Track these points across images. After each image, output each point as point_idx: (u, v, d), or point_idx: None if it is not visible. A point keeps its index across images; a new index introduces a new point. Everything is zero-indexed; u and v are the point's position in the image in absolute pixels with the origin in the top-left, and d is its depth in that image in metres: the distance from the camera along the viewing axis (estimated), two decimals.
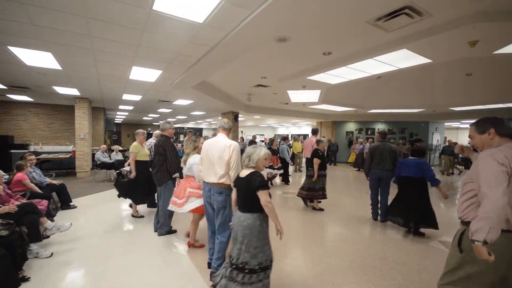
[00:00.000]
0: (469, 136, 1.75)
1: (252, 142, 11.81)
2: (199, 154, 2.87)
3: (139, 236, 3.66)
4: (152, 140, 4.94)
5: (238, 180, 2.10)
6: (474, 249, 1.35)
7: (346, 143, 14.53)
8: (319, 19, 3.02)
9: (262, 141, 21.38)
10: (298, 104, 9.77)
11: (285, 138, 8.00)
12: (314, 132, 5.91)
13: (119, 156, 8.03)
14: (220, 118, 12.37)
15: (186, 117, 16.14)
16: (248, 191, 1.98)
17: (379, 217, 4.46)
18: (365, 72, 5.23)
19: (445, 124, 14.58)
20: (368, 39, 3.61)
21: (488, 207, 1.33)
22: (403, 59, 4.30)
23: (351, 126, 14.69)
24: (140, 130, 4.41)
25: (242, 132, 23.44)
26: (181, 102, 9.20)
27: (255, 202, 1.95)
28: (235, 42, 3.41)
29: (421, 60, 4.27)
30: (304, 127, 21.65)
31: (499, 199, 1.31)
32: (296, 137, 11.81)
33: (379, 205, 4.46)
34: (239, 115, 11.92)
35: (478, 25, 2.99)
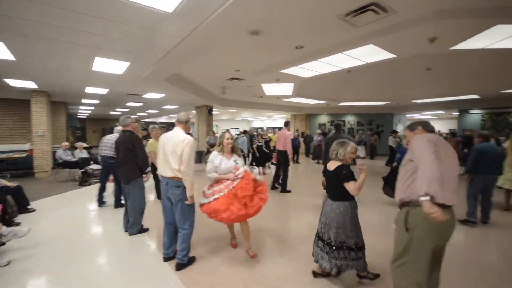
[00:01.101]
0: (404, 137, 2.08)
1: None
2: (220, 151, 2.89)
3: (107, 238, 3.48)
4: (113, 136, 4.65)
5: (327, 172, 2.40)
6: (423, 208, 1.51)
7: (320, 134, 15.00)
8: (290, 12, 3.03)
9: (238, 134, 21.23)
10: (273, 97, 9.84)
11: (245, 132, 8.35)
12: (286, 124, 6.01)
13: (84, 154, 7.49)
14: (195, 112, 12.09)
15: (158, 111, 15.50)
16: (337, 182, 2.23)
17: None
18: (336, 66, 5.39)
19: (407, 115, 15.65)
20: (338, 33, 3.70)
21: (423, 167, 1.56)
22: (371, 54, 4.49)
23: (324, 119, 15.18)
24: (154, 125, 4.59)
25: (217, 126, 23.14)
26: (152, 95, 8.79)
27: (343, 192, 2.20)
28: (207, 34, 3.31)
29: (387, 55, 4.50)
30: (279, 120, 21.92)
31: (431, 159, 1.54)
32: (277, 131, 11.97)
33: None
34: (213, 109, 11.72)
35: (437, 23, 3.21)
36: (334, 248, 2.22)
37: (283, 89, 8.03)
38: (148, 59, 4.49)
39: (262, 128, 22.13)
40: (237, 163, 2.84)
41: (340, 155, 2.32)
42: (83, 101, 10.42)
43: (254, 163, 8.52)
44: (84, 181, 6.64)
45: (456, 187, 1.68)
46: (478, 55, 4.68)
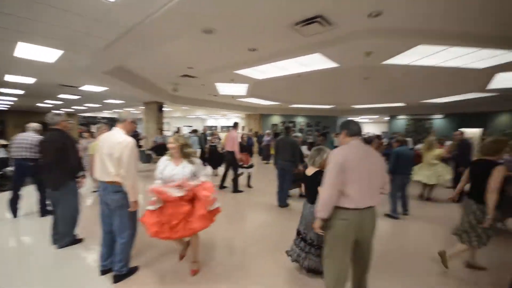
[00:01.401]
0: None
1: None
2: None
3: (32, 253, 3.01)
4: (29, 135, 3.91)
5: (306, 178, 2.59)
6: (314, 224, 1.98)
7: (272, 134, 15.50)
8: (243, 15, 3.07)
9: (191, 132, 20.51)
10: (227, 97, 9.80)
11: (195, 131, 8.11)
12: (234, 125, 6.05)
13: (2, 153, 6.33)
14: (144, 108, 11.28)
15: (99, 105, 13.97)
16: (314, 187, 2.35)
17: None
18: (287, 70, 5.65)
19: (348, 118, 17.28)
20: (289, 41, 3.89)
21: (320, 194, 1.93)
22: (318, 62, 4.84)
23: (276, 119, 15.74)
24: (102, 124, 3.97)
25: (169, 123, 21.97)
26: (91, 88, 7.87)
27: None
28: (157, 28, 3.13)
29: (331, 64, 4.91)
30: (234, 119, 21.94)
31: (326, 187, 1.86)
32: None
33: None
34: (164, 106, 11.09)
35: (372, 40, 3.63)
36: (316, 247, 2.44)
37: (238, 89, 8.07)
38: (87, 49, 4.03)
39: (215, 127, 21.87)
40: (196, 172, 2.48)
41: (316, 162, 2.52)
42: (2, 90, 8.76)
43: (205, 164, 8.28)
44: (1, 185, 5.61)
45: (375, 188, 1.91)
46: (404, 70, 5.43)
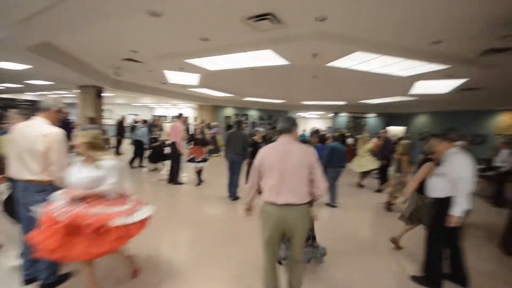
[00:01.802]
0: None
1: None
2: None
3: None
4: None
5: None
6: None
7: (225, 126, 15.43)
8: (193, 1, 2.96)
9: (141, 122, 18.92)
10: (177, 86, 9.33)
11: (145, 121, 7.64)
12: (179, 116, 5.93)
13: None
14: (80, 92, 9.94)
15: (20, 85, 11.80)
16: None
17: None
18: (240, 63, 5.66)
19: (297, 114, 18.29)
20: (241, 34, 3.90)
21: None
22: (270, 57, 4.97)
23: (230, 111, 15.68)
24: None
25: (110, 110, 19.88)
26: (9, 65, 6.58)
27: None
28: (92, 3, 2.79)
29: (283, 61, 5.10)
30: (185, 109, 21.07)
31: (248, 183, 2.13)
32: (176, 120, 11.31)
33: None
34: (104, 91, 9.97)
35: (317, 42, 3.89)
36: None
37: (189, 79, 7.75)
38: (3, 19, 3.35)
39: (165, 117, 20.67)
40: (101, 180, 1.98)
41: None
42: None
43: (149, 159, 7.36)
44: None
45: (293, 186, 1.87)
46: (344, 72, 5.97)
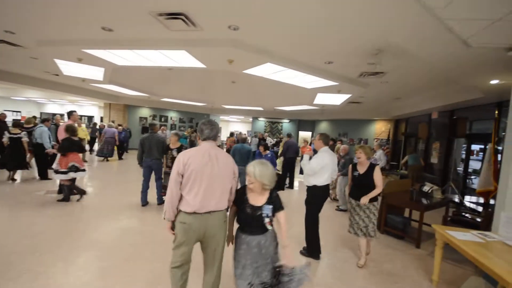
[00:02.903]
0: None
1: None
2: None
3: None
4: None
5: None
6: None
7: (140, 129, 14.01)
8: None
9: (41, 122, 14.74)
10: (75, 79, 7.89)
11: (44, 120, 6.20)
12: (69, 115, 5.08)
13: None
14: None
15: None
16: None
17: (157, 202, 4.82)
18: (154, 62, 5.28)
19: (221, 117, 18.49)
20: (152, 30, 3.64)
21: (165, 199, 1.90)
22: (185, 59, 4.83)
23: (146, 112, 14.34)
24: None
25: None
26: None
27: None
28: None
29: (199, 64, 5.04)
30: (88, 107, 18.05)
31: (168, 194, 1.82)
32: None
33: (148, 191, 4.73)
34: None
35: (232, 49, 4.03)
36: None
37: (91, 72, 6.68)
38: None
39: (62, 115, 17.14)
40: None
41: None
42: None
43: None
44: None
45: (219, 192, 1.82)
46: (260, 80, 6.41)
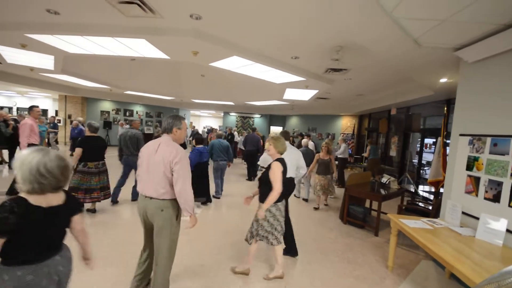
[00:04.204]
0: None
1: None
2: None
3: None
4: None
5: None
6: None
7: (102, 123, 13.05)
8: None
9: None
10: (23, 68, 7.05)
11: None
12: (29, 110, 4.60)
13: None
14: None
15: None
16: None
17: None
18: (110, 51, 4.88)
19: (191, 111, 17.95)
20: (104, 14, 3.32)
21: None
22: (147, 49, 4.53)
23: (108, 105, 13.40)
24: None
25: None
26: None
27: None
28: None
29: (161, 54, 4.77)
30: (41, 100, 16.36)
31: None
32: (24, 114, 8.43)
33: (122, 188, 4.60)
34: None
35: (196, 41, 3.85)
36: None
37: (39, 61, 5.99)
38: None
39: (11, 108, 15.39)
40: None
41: None
42: None
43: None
44: None
45: (155, 181, 1.96)
46: (228, 73, 6.27)
